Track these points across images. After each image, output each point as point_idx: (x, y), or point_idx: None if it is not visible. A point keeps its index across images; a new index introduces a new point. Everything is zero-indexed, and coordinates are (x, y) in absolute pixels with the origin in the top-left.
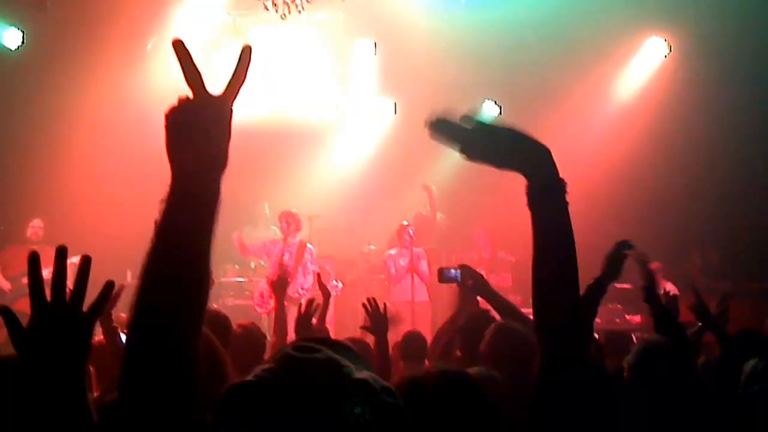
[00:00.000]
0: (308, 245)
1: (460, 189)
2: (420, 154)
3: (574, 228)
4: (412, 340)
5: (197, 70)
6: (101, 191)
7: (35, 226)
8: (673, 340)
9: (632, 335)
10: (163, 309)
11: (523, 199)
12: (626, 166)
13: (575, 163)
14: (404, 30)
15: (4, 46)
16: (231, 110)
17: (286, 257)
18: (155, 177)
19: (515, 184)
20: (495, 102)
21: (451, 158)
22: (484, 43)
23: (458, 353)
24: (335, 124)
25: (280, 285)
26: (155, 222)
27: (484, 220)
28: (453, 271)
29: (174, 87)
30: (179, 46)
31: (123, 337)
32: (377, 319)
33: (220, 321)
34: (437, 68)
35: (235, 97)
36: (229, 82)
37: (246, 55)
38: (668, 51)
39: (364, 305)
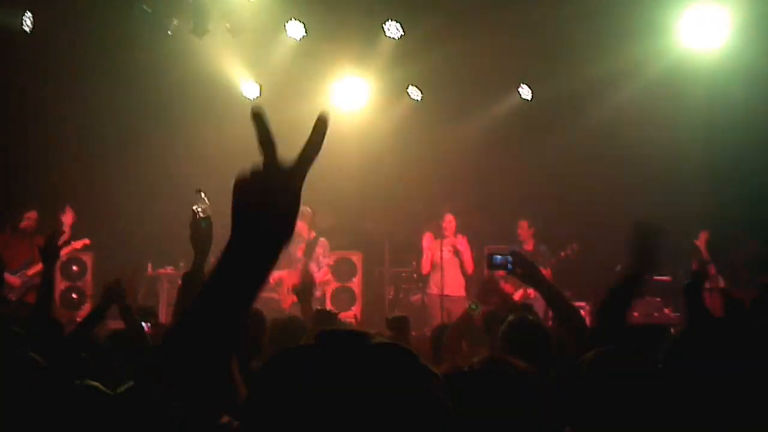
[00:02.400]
0: (321, 239)
1: (503, 181)
2: (446, 142)
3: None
4: (440, 335)
5: (273, 140)
6: (123, 183)
7: (30, 218)
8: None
9: (670, 329)
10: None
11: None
12: (670, 156)
13: (616, 152)
14: (434, 10)
15: (24, 30)
16: (301, 183)
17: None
18: (177, 169)
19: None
20: (529, 86)
21: (485, 149)
22: (518, 25)
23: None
24: (360, 111)
25: (303, 292)
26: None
27: (531, 216)
28: (503, 257)
29: (194, 73)
30: (258, 117)
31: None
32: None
33: (255, 315)
34: (468, 53)
35: (306, 169)
36: (302, 153)
37: (322, 124)
38: (725, 28)
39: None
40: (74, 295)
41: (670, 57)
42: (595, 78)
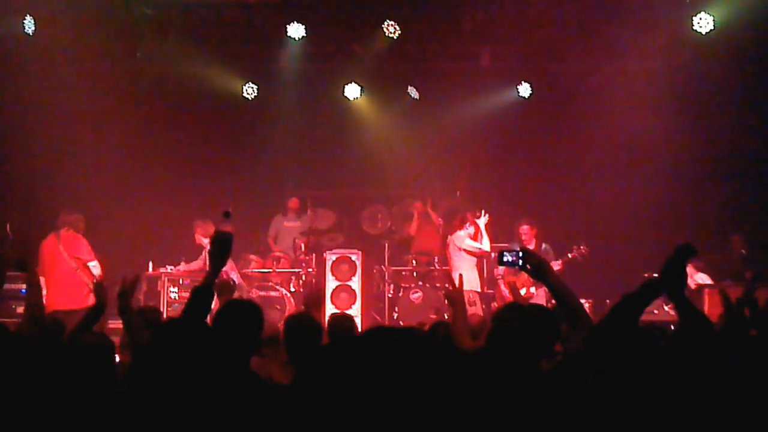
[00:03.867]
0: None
1: (503, 180)
2: (445, 141)
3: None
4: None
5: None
6: (124, 182)
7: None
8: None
9: (670, 326)
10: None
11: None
12: (663, 151)
13: (609, 155)
14: (430, 10)
15: (25, 32)
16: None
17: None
18: (178, 169)
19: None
20: (530, 84)
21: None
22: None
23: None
24: (359, 110)
25: (309, 304)
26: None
27: (530, 217)
28: (513, 254)
29: (194, 76)
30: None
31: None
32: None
33: (254, 312)
34: (465, 52)
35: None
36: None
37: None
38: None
39: None
40: None
41: (676, 50)
42: (595, 74)
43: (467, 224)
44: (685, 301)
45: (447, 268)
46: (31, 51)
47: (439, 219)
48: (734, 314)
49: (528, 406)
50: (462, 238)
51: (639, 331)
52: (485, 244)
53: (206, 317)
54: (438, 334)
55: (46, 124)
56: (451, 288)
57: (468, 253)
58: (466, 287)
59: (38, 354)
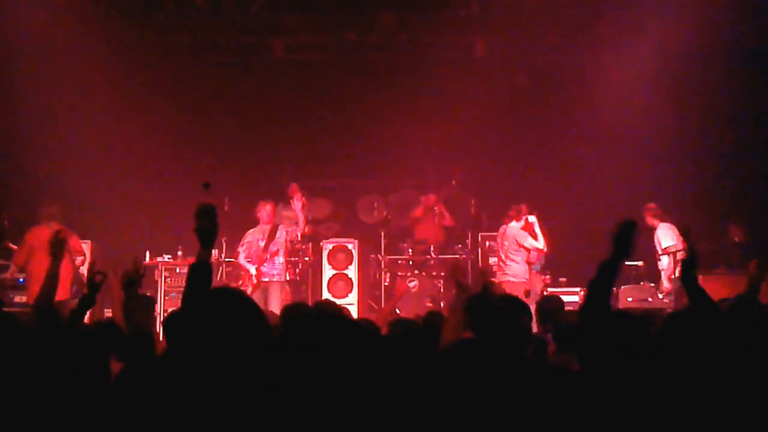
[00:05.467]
0: (279, 227)
1: (500, 173)
2: (437, 131)
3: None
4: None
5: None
6: (121, 172)
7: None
8: (705, 314)
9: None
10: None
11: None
12: (660, 140)
13: (605, 145)
14: None
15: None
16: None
17: (262, 243)
18: (175, 156)
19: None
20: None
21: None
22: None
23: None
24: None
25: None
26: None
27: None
28: None
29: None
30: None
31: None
32: None
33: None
34: (460, 42)
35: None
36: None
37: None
38: None
39: None
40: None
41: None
42: (591, 64)
43: (524, 217)
44: (696, 285)
45: (451, 257)
46: (21, 42)
47: (451, 220)
48: (747, 300)
49: (516, 400)
50: (524, 236)
51: (614, 316)
52: (541, 242)
53: (207, 295)
54: (432, 323)
55: (42, 113)
56: (460, 278)
57: (525, 249)
58: (521, 280)
59: (40, 343)
